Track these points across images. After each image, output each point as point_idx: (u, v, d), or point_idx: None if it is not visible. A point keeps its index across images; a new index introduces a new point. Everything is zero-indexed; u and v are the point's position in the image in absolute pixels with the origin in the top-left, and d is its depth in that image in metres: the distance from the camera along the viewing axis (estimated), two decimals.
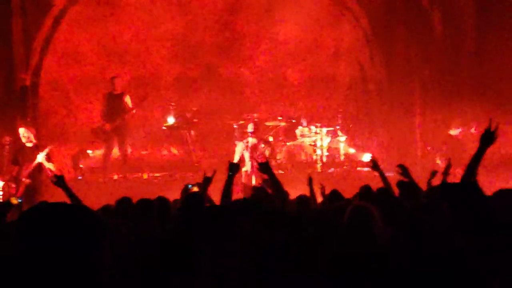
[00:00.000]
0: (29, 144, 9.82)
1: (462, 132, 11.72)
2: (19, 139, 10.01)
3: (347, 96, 14.94)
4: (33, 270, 2.01)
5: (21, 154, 9.84)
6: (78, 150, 13.33)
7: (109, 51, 14.42)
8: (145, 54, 14.63)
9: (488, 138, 4.34)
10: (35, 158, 9.73)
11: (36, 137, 10.07)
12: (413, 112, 13.12)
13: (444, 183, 4.11)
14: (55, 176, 5.34)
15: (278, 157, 12.37)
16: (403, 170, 5.91)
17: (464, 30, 12.60)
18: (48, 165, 9.70)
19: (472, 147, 11.35)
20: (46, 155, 9.72)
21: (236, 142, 11.93)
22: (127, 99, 12.28)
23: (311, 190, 6.64)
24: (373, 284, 3.07)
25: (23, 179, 9.64)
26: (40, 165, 9.71)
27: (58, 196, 8.97)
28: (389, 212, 3.72)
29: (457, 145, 11.58)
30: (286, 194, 5.66)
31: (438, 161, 11.26)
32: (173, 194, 6.52)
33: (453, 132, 11.78)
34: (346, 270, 3.23)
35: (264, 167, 5.39)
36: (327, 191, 6.72)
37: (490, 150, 4.39)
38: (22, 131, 9.93)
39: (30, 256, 2.02)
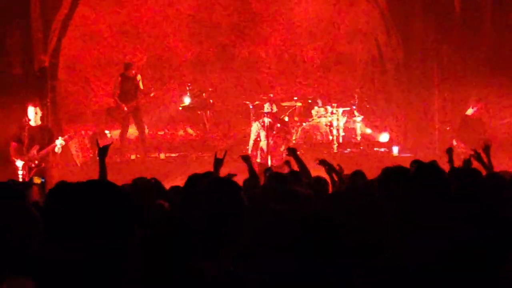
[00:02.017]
0: (32, 123, 9.65)
1: (477, 111, 11.61)
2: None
3: (364, 76, 14.86)
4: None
5: (29, 132, 9.60)
6: (95, 131, 13.46)
7: (125, 32, 14.48)
8: (162, 35, 14.65)
9: None
10: (39, 139, 9.64)
11: (43, 119, 10.00)
12: (431, 92, 13.03)
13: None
14: (100, 147, 5.36)
15: (293, 138, 12.39)
16: (477, 155, 5.96)
17: (482, 9, 12.45)
18: (58, 149, 9.59)
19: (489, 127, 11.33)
20: (64, 140, 9.64)
21: (252, 123, 11.97)
22: (139, 78, 12.48)
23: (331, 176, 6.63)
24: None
25: (36, 163, 9.51)
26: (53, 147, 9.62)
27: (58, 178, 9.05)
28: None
29: (473, 125, 11.50)
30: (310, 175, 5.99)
31: (454, 142, 11.20)
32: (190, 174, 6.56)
33: (469, 111, 11.69)
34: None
35: (291, 152, 6.14)
36: (346, 172, 6.75)
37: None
38: (29, 110, 9.75)
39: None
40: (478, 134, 10.92)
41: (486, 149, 6.19)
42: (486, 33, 12.50)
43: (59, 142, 9.52)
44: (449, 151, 6.45)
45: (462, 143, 11.16)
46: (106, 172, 5.21)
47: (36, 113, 9.73)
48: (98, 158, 5.32)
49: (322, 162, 6.32)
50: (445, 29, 12.77)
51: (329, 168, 6.09)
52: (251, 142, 10.61)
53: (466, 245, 3.02)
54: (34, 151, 9.51)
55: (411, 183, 3.49)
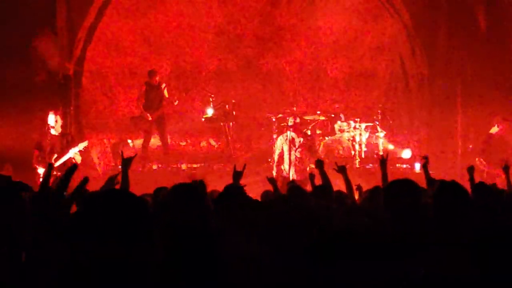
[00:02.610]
0: (53, 132, 9.67)
1: (502, 130, 11.46)
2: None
3: (387, 92, 14.81)
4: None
5: (51, 141, 9.64)
6: (118, 140, 13.53)
7: (150, 42, 14.59)
8: (186, 46, 14.73)
9: None
10: (59, 147, 9.62)
11: (66, 126, 9.97)
12: (454, 109, 12.92)
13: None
14: (124, 158, 5.40)
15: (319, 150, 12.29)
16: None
17: (508, 27, 12.35)
18: (77, 158, 9.48)
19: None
20: (79, 151, 9.57)
21: (274, 136, 11.97)
22: (163, 87, 12.52)
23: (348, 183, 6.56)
24: None
25: (54, 172, 9.46)
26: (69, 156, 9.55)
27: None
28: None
29: (497, 144, 11.35)
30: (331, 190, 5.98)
31: (477, 161, 11.07)
32: (211, 185, 6.58)
33: (493, 130, 11.55)
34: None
35: (318, 164, 6.32)
36: (365, 187, 6.68)
37: None
38: (50, 118, 9.74)
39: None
40: (501, 153, 10.77)
41: (506, 168, 6.14)
42: (511, 51, 12.40)
43: (74, 151, 9.48)
44: (470, 169, 6.36)
45: (485, 161, 11.04)
46: (128, 183, 5.23)
47: (56, 121, 9.75)
48: (121, 168, 5.36)
49: (341, 169, 6.26)
50: (470, 46, 12.68)
51: (346, 180, 6.03)
52: (276, 157, 10.57)
53: (481, 260, 2.99)
54: (52, 159, 9.52)
55: (419, 196, 3.49)
